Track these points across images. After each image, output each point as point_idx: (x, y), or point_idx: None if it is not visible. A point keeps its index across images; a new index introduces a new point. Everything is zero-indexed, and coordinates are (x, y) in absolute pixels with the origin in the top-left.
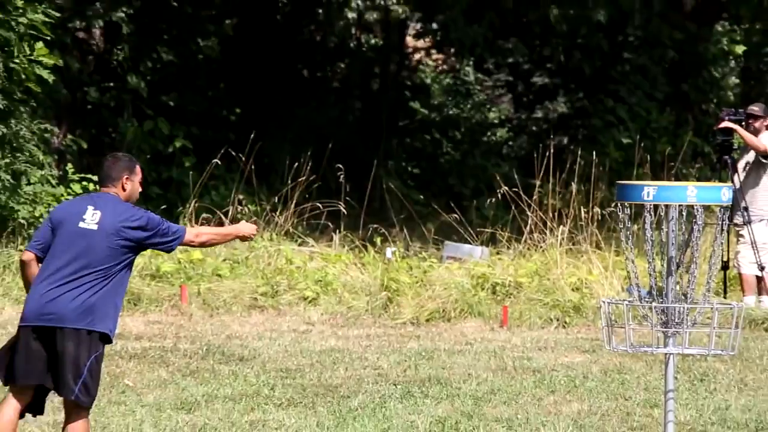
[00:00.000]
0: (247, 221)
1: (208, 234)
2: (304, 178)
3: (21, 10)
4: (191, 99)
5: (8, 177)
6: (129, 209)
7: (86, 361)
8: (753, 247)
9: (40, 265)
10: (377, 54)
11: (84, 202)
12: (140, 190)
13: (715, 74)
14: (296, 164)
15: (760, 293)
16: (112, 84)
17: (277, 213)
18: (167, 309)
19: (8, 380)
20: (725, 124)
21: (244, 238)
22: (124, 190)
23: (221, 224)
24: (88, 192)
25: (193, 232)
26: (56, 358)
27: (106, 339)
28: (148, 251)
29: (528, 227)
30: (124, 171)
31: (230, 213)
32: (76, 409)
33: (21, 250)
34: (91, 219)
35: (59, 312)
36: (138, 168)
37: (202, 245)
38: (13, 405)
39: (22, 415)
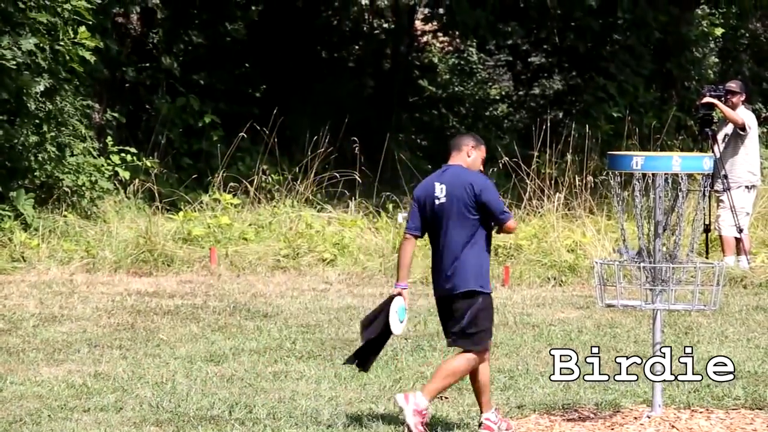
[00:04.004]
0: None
1: None
2: (322, 149)
3: None
4: (219, 77)
5: (54, 149)
6: (470, 175)
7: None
8: (732, 211)
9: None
10: (388, 36)
11: (432, 180)
12: (482, 162)
13: (697, 54)
14: (315, 137)
15: (738, 253)
16: (147, 64)
17: (298, 182)
18: (198, 270)
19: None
20: (706, 99)
21: None
22: (468, 156)
23: (246, 192)
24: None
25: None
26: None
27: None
28: None
29: (527, 194)
30: (470, 142)
31: (255, 182)
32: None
33: (65, 216)
34: (441, 194)
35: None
36: (483, 145)
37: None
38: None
39: None
